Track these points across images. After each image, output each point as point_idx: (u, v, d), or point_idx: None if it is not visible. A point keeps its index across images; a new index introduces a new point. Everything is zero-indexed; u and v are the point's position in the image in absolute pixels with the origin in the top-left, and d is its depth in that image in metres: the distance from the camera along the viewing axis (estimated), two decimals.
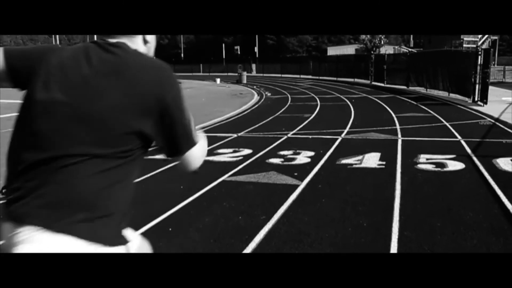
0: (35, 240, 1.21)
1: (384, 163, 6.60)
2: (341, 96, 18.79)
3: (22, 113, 1.35)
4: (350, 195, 5.16)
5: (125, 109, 1.30)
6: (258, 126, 10.77)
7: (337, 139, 8.71)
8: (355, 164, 6.61)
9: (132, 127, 1.31)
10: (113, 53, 1.36)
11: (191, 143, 1.46)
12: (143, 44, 1.51)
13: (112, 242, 1.31)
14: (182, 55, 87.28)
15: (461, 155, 6.96)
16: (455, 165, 6.35)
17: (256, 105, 16.30)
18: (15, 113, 1.40)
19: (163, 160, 6.75)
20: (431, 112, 12.57)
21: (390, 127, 9.99)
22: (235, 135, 9.52)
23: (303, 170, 6.32)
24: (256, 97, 19.77)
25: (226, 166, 6.71)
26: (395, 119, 11.38)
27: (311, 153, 7.38)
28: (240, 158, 7.24)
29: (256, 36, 68.28)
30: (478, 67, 15.34)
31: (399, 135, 8.91)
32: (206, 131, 10.75)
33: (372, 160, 6.81)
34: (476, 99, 15.12)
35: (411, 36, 70.87)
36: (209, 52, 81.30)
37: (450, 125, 10.15)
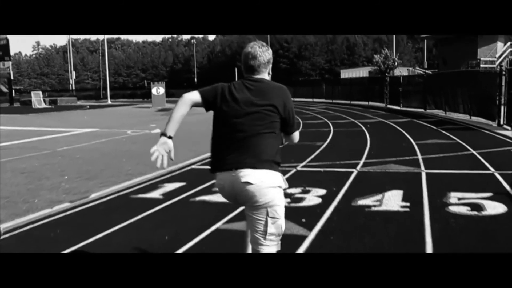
0: (250, 173, 2.71)
1: (408, 204, 5.60)
2: (356, 121, 17.82)
3: (219, 118, 2.88)
4: (369, 249, 4.18)
5: (271, 107, 2.81)
6: None
7: (352, 172, 7.73)
8: (374, 206, 5.62)
9: (273, 114, 2.83)
10: (258, 82, 2.89)
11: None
12: (268, 76, 2.99)
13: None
14: (196, 79, 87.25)
15: (499, 193, 5.93)
16: (494, 207, 5.33)
17: None
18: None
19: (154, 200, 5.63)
20: (454, 138, 11.52)
21: (411, 157, 8.98)
22: None
23: (313, 214, 5.35)
24: None
25: (223, 208, 5.77)
26: (416, 147, 10.36)
27: (323, 192, 6.40)
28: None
29: None
30: (503, 88, 14.32)
31: (422, 167, 7.90)
32: (207, 163, 9.91)
33: (393, 200, 5.82)
34: (502, 122, 14.05)
35: (425, 57, 69.95)
36: (222, 76, 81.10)
37: (479, 153, 9.11)
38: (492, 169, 7.51)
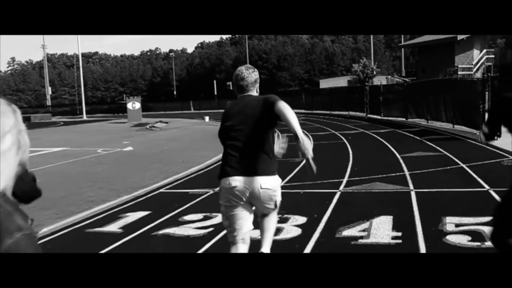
0: (267, 180, 3.35)
1: (399, 234, 4.91)
2: (336, 133, 17.21)
3: (227, 131, 3.45)
4: None
5: (262, 107, 3.35)
6: None
7: (335, 193, 7.04)
8: (361, 237, 4.91)
9: (267, 111, 3.32)
10: (248, 97, 3.49)
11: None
12: (256, 93, 3.58)
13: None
14: (175, 92, 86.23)
15: None
16: None
17: None
18: None
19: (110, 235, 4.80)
20: (441, 150, 10.93)
21: (397, 173, 8.33)
22: (210, 191, 7.84)
23: (292, 250, 4.62)
24: None
25: (188, 244, 5.02)
26: (401, 161, 9.73)
27: (303, 219, 5.68)
28: (209, 230, 5.54)
29: None
30: (486, 95, 13.87)
31: (411, 185, 7.24)
32: (178, 186, 9.15)
33: (383, 229, 5.12)
34: None
35: (403, 65, 70.26)
36: (201, 89, 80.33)
37: (468, 167, 8.50)
38: (487, 186, 6.89)
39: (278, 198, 3.49)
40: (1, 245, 1.04)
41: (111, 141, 19.08)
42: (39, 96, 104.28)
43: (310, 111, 34.49)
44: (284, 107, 3.23)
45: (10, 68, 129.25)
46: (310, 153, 3.17)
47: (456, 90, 16.59)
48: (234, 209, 3.44)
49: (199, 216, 6.23)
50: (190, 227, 5.72)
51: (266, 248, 3.57)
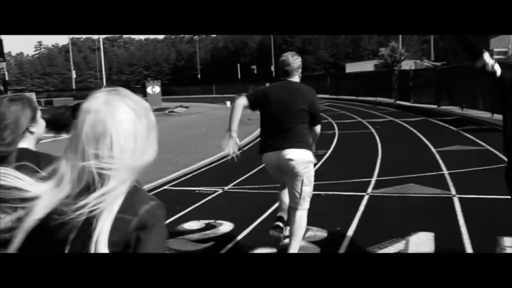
0: (291, 152, 3.69)
1: None
2: (363, 121, 16.03)
3: (264, 114, 3.87)
4: None
5: (303, 105, 3.76)
6: (255, 171, 8.12)
7: (362, 197, 6.01)
8: None
9: (305, 111, 3.78)
10: (295, 83, 3.88)
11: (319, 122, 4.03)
12: (298, 79, 3.93)
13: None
14: (199, 76, 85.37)
15: None
16: None
17: None
18: None
19: None
20: (482, 143, 9.71)
21: (434, 172, 7.23)
22: (220, 190, 6.90)
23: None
24: None
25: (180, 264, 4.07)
26: (437, 156, 8.59)
27: (323, 234, 4.69)
28: (209, 245, 4.60)
29: (272, 54, 66.06)
30: None
31: (453, 189, 6.15)
32: (185, 182, 8.25)
33: (422, 251, 4.08)
34: None
35: (432, 49, 67.81)
36: (225, 73, 79.35)
37: None
38: None
39: (311, 180, 3.85)
40: (139, 210, 1.16)
41: None
42: (65, 80, 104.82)
43: (335, 96, 33.21)
44: (319, 122, 4.06)
45: (37, 52, 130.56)
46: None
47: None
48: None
49: (201, 224, 5.29)
50: (188, 240, 4.78)
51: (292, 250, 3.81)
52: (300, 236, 3.83)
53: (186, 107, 28.34)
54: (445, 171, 7.25)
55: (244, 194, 6.72)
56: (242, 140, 12.65)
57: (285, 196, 4.04)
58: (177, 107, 27.92)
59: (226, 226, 5.14)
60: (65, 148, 1.20)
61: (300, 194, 3.77)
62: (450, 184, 6.43)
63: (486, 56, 3.26)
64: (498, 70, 3.26)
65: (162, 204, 1.22)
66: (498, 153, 8.47)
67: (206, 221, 5.36)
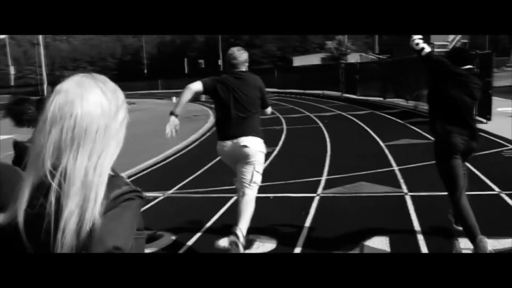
0: (246, 139, 3.98)
1: None
2: (311, 115, 15.88)
3: (219, 103, 4.14)
4: None
5: (256, 93, 4.12)
6: (200, 173, 7.70)
7: (312, 199, 5.72)
8: None
9: (258, 98, 4.14)
10: (243, 74, 4.13)
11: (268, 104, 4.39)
12: (246, 68, 4.19)
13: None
14: (146, 71, 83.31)
15: None
16: None
17: (209, 133, 13.19)
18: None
19: None
20: (428, 136, 9.66)
21: (385, 169, 7.05)
22: (161, 196, 6.44)
23: None
24: (211, 120, 16.67)
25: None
26: (386, 151, 8.46)
27: (271, 245, 4.34)
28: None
29: (220, 48, 65.45)
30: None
31: (404, 187, 5.96)
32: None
33: None
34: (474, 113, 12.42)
35: (376, 42, 69.15)
36: (172, 66, 77.86)
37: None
38: (495, 187, 5.66)
39: (260, 168, 4.11)
40: (110, 194, 1.11)
41: None
42: (4, 76, 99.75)
43: (283, 90, 33.10)
44: (268, 104, 4.39)
45: None
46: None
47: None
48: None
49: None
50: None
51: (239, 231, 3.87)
52: (250, 214, 3.97)
53: (133, 103, 27.39)
54: (395, 167, 7.10)
55: (185, 199, 6.29)
56: (189, 136, 12.17)
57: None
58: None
59: (165, 238, 4.71)
60: (33, 131, 1.22)
61: (251, 180, 4.02)
62: (401, 181, 6.26)
63: (415, 36, 4.05)
64: (426, 48, 3.98)
65: (135, 190, 1.16)
66: None
67: (148, 232, 4.91)
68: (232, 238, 3.78)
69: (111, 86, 1.21)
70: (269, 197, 5.82)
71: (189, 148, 10.88)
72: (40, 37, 53.50)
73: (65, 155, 1.10)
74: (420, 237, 4.25)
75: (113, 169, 1.18)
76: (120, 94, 1.23)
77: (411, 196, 5.53)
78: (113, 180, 1.15)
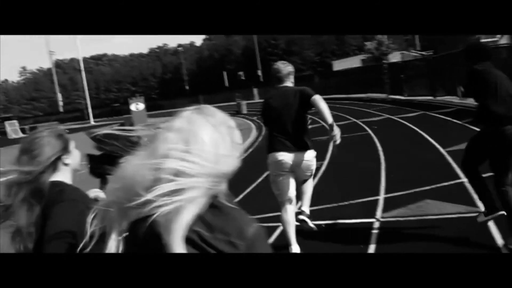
0: (306, 154, 4.30)
1: None
2: (358, 122, 14.95)
3: (267, 115, 4.44)
4: None
5: (299, 104, 4.23)
6: (240, 197, 7.01)
7: (371, 225, 4.89)
8: None
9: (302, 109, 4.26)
10: (287, 88, 4.39)
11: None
12: (291, 84, 4.46)
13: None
14: (187, 87, 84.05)
15: None
16: None
17: (251, 148, 12.54)
18: None
19: None
20: None
21: (452, 181, 6.13)
22: None
23: None
24: (253, 134, 16.01)
25: None
26: (449, 159, 7.50)
27: None
28: None
29: (258, 58, 65.12)
30: None
31: (480, 204, 5.06)
32: None
33: None
34: None
35: (417, 38, 66.98)
36: (212, 81, 78.22)
37: None
38: None
39: (314, 167, 4.46)
40: (246, 234, 1.18)
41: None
42: (52, 104, 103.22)
43: (324, 96, 32.10)
44: (318, 100, 4.13)
45: (22, 77, 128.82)
46: (338, 138, 3.98)
47: (496, 59, 14.22)
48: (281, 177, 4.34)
49: None
50: None
51: (305, 208, 4.47)
52: (310, 194, 4.56)
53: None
54: (464, 178, 6.15)
55: None
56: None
57: (290, 216, 4.32)
58: (162, 123, 26.73)
59: None
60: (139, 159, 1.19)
61: (309, 177, 4.50)
62: (475, 196, 5.34)
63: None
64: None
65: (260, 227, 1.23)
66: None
67: None
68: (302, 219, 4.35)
69: (220, 117, 1.24)
70: (321, 225, 5.04)
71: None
72: (81, 63, 54.83)
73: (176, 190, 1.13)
74: None
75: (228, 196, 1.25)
76: (231, 123, 1.26)
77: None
78: (240, 214, 1.23)
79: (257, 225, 1.19)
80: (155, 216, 1.11)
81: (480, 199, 4.31)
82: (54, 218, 1.76)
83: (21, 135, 39.41)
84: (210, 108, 1.25)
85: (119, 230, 1.18)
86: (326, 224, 5.11)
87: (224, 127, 1.22)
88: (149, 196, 1.10)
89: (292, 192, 4.31)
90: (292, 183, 4.32)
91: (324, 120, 4.01)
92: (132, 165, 1.18)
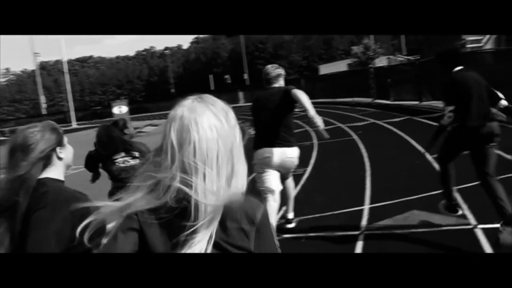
0: (290, 151, 4.59)
1: None
2: (343, 126, 14.70)
3: (255, 114, 4.73)
4: None
5: (285, 102, 4.46)
6: None
7: (356, 238, 4.59)
8: None
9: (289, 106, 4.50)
10: (274, 88, 4.67)
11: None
12: (281, 86, 4.70)
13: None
14: (173, 90, 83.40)
15: None
16: None
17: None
18: None
19: None
20: None
21: (440, 191, 5.86)
22: None
23: None
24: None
25: None
26: (435, 165, 7.24)
27: None
28: None
29: (245, 62, 64.89)
30: None
31: (470, 216, 4.78)
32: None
33: None
34: None
35: (403, 42, 67.35)
36: (198, 83, 77.78)
37: None
38: None
39: (296, 164, 4.69)
40: (256, 217, 1.24)
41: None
42: (36, 106, 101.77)
43: (311, 100, 31.93)
44: (298, 92, 4.34)
45: (5, 79, 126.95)
46: (320, 125, 4.15)
47: (486, 64, 14.13)
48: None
49: None
50: None
51: (290, 215, 5.13)
52: (293, 196, 5.18)
53: (156, 125, 26.75)
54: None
55: None
56: None
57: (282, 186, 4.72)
58: (146, 125, 26.35)
59: None
60: (153, 157, 1.22)
61: (290, 173, 4.87)
62: (464, 206, 5.07)
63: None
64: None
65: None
66: (503, 153, 7.16)
67: None
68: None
69: (221, 106, 1.26)
70: (300, 239, 4.71)
71: None
72: (65, 64, 54.02)
73: (191, 179, 1.15)
74: None
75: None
76: (231, 113, 1.27)
77: (483, 229, 4.34)
78: (248, 200, 1.25)
79: (263, 207, 1.24)
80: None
81: (444, 192, 4.68)
82: (33, 229, 1.72)
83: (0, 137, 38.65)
84: (210, 97, 1.27)
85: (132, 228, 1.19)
86: (306, 237, 4.79)
87: (224, 115, 1.24)
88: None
89: (277, 186, 4.47)
90: (278, 179, 4.50)
91: (306, 112, 4.14)
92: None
